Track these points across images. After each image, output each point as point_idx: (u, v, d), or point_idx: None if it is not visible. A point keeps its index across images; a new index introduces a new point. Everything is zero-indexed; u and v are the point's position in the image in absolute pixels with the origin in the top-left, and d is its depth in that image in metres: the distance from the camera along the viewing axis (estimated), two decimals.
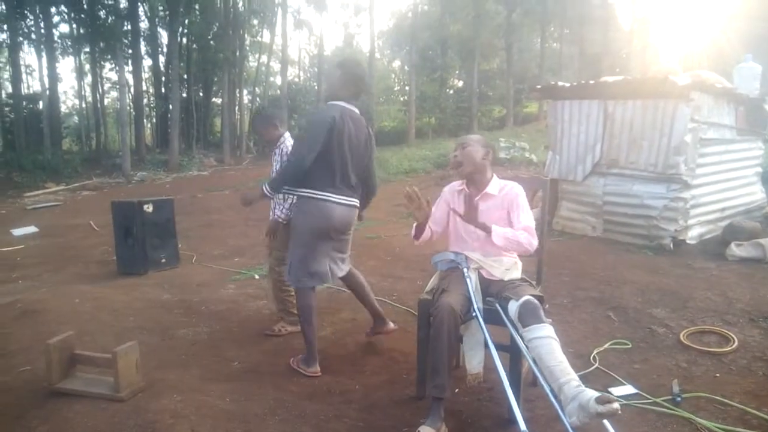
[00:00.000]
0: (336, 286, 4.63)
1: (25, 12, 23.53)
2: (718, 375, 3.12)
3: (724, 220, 6.54)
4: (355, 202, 3.34)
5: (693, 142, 5.98)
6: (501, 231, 2.74)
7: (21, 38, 24.21)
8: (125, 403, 2.63)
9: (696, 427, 2.55)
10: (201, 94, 31.25)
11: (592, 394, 2.09)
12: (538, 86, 7.92)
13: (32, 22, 24.24)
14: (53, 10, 24.20)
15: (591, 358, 3.35)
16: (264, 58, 32.48)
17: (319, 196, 3.16)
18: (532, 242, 2.75)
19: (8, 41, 23.64)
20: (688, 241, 6.20)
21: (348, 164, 3.21)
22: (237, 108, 29.31)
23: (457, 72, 35.12)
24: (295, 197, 3.29)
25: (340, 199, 3.20)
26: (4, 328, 3.90)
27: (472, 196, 2.86)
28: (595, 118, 6.68)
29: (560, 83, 7.22)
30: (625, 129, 6.40)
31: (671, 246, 6.06)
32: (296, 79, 35.15)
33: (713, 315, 4.02)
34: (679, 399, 2.79)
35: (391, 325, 3.72)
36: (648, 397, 2.84)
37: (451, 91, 33.56)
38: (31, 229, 10.45)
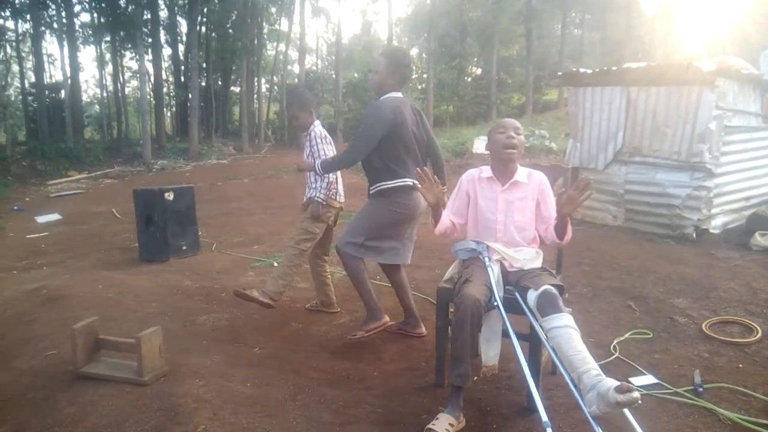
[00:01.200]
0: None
1: (48, 1, 23.80)
2: (740, 366, 3.08)
3: (748, 209, 6.43)
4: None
5: (717, 129, 5.87)
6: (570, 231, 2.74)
7: (43, 28, 24.54)
8: (149, 387, 2.68)
9: (718, 417, 2.53)
10: (220, 82, 31.42)
11: (611, 383, 2.08)
12: (559, 73, 7.83)
13: (54, 12, 24.54)
14: None
15: (611, 347, 3.33)
16: (282, 47, 32.53)
17: (404, 184, 3.33)
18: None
19: (31, 31, 23.97)
20: (711, 231, 6.11)
21: (417, 154, 3.42)
22: (255, 96, 29.45)
23: (475, 59, 34.82)
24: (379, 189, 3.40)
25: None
26: (30, 314, 3.99)
27: (500, 185, 2.83)
28: (617, 106, 6.58)
29: (582, 70, 7.12)
30: (648, 116, 6.30)
31: (694, 235, 5.97)
32: (314, 68, 35.12)
33: (736, 305, 3.97)
34: (700, 389, 2.76)
35: (423, 329, 3.68)
36: (669, 387, 2.82)
37: (470, 79, 33.30)
38: (55, 216, 10.64)
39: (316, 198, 3.87)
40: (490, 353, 2.59)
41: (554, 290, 2.46)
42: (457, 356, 2.47)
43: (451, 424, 2.37)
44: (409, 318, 3.70)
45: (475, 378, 2.91)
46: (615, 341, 3.42)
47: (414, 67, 40.52)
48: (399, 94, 3.42)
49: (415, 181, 3.15)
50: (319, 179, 3.85)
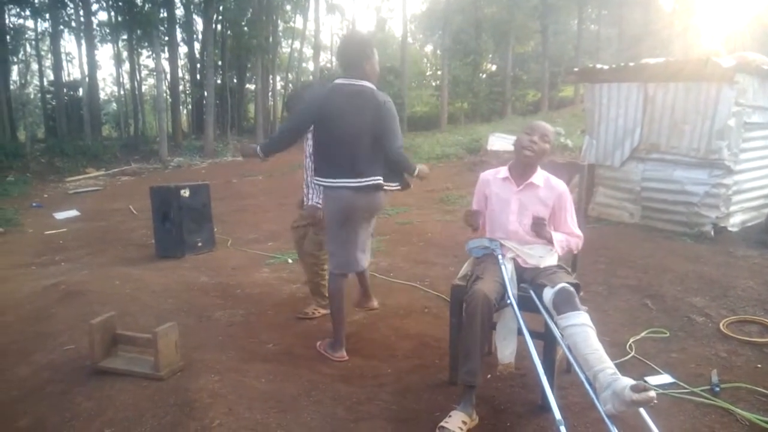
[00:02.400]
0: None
1: (66, 1, 24.10)
2: (759, 366, 3.04)
3: (767, 207, 6.33)
4: (371, 181, 3.13)
5: (737, 126, 5.77)
6: (561, 238, 2.78)
7: (62, 26, 24.85)
8: (165, 382, 2.71)
9: (735, 418, 2.50)
10: (235, 80, 31.58)
11: (627, 382, 2.06)
12: (575, 69, 7.76)
13: (72, 11, 24.84)
14: None
15: (627, 346, 3.30)
16: (297, 44, 32.62)
17: (334, 184, 3.11)
18: (580, 245, 2.87)
19: (50, 30, 24.30)
20: (729, 229, 6.03)
21: (349, 143, 3.06)
22: (270, 94, 29.57)
23: (490, 55, 34.61)
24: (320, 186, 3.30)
25: (349, 182, 3.09)
26: (48, 309, 4.06)
27: (515, 186, 2.80)
28: (634, 102, 6.51)
29: (598, 66, 7.05)
30: (666, 113, 6.21)
31: (712, 233, 5.89)
32: (328, 65, 35.13)
33: (755, 304, 3.91)
34: (717, 389, 2.73)
35: (375, 303, 3.96)
36: (686, 386, 2.79)
37: (485, 75, 33.07)
38: (73, 212, 10.79)
39: (317, 203, 3.82)
40: (505, 351, 2.58)
41: (571, 288, 2.45)
42: (467, 354, 2.47)
43: (464, 422, 2.37)
44: (364, 293, 3.88)
45: (489, 376, 2.91)
46: (631, 340, 3.39)
47: (429, 64, 40.48)
48: (345, 80, 3.11)
49: (345, 181, 3.07)
50: (315, 186, 3.80)
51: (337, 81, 3.15)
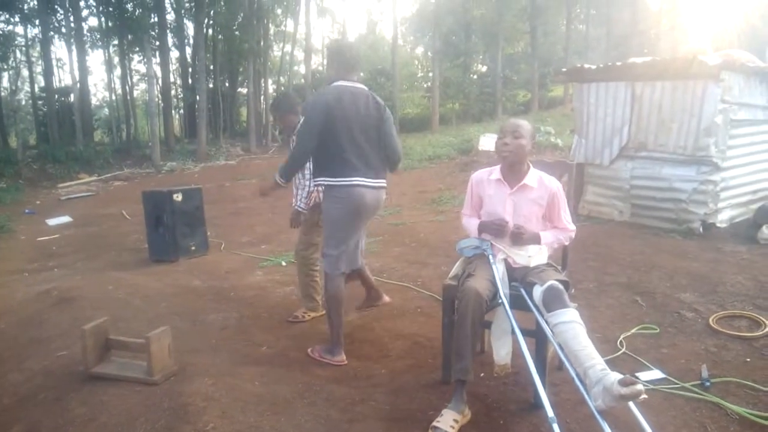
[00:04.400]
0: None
1: (56, 6, 23.98)
2: (748, 360, 3.08)
3: (755, 203, 6.39)
4: (382, 183, 3.28)
5: (724, 123, 5.84)
6: (549, 239, 2.81)
7: (52, 32, 24.66)
8: (158, 387, 2.71)
9: (726, 412, 2.53)
10: (227, 84, 31.52)
11: (615, 376, 2.09)
12: (564, 69, 7.81)
13: (62, 17, 24.70)
14: (82, 3, 24.59)
15: (618, 343, 3.34)
16: (288, 47, 32.58)
17: (347, 182, 3.11)
18: (572, 236, 2.90)
19: (40, 36, 24.14)
20: (718, 225, 6.09)
21: (361, 143, 3.14)
22: (262, 97, 29.49)
23: (480, 57, 34.71)
24: (323, 186, 3.25)
25: (365, 181, 3.15)
26: (41, 315, 4.05)
27: (509, 187, 2.81)
28: (622, 101, 6.56)
29: (586, 65, 7.10)
30: (654, 111, 6.28)
31: (701, 230, 5.95)
32: (320, 68, 35.14)
33: (744, 299, 3.96)
34: (708, 384, 2.77)
35: (386, 297, 3.86)
36: (676, 382, 2.82)
37: (475, 77, 33.17)
38: (66, 218, 10.74)
39: (297, 207, 3.92)
40: (501, 352, 2.60)
41: (560, 285, 2.46)
42: (458, 351, 2.49)
43: (455, 420, 2.39)
44: (371, 291, 3.78)
45: (482, 374, 2.93)
46: (622, 336, 3.42)
47: (420, 66, 40.58)
48: (346, 82, 3.17)
49: (362, 180, 3.11)
50: (303, 189, 3.88)
51: (340, 83, 3.17)
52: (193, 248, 6.35)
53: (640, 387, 2.03)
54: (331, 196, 3.18)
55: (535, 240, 2.77)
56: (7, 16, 24.03)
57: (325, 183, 3.17)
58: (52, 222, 10.46)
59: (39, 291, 4.81)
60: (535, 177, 2.81)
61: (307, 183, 3.84)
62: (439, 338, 2.97)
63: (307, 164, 3.65)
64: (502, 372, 2.62)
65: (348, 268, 3.33)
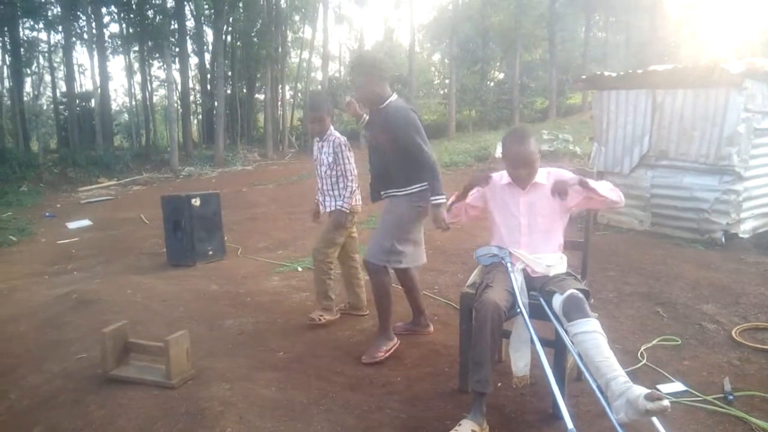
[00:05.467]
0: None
1: (78, 13, 24.42)
2: None
3: None
4: None
5: (746, 132, 5.75)
6: (609, 188, 2.67)
7: (74, 38, 25.14)
8: (176, 391, 2.73)
9: (750, 427, 2.48)
10: (245, 90, 31.75)
11: (640, 390, 2.05)
12: (583, 76, 7.75)
13: (84, 23, 25.15)
14: (104, 10, 24.98)
15: (639, 354, 3.29)
16: (305, 54, 32.73)
17: (425, 187, 3.34)
18: (622, 197, 2.72)
19: (62, 42, 24.60)
20: (740, 235, 5.98)
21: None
22: (279, 103, 29.67)
23: (498, 64, 34.61)
24: (409, 192, 3.36)
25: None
26: (61, 318, 4.09)
27: (521, 189, 2.79)
28: (642, 109, 6.50)
29: (606, 73, 7.05)
30: (675, 119, 6.20)
31: (723, 240, 5.86)
32: (337, 74, 35.30)
33: (767, 311, 3.88)
34: (731, 397, 2.71)
35: (431, 327, 3.83)
36: (698, 394, 2.77)
37: (492, 84, 33.06)
38: (85, 222, 10.89)
39: (342, 207, 3.92)
40: (519, 364, 2.56)
41: (580, 294, 2.43)
42: (477, 361, 2.46)
43: (474, 431, 2.36)
44: (419, 318, 3.79)
45: (499, 384, 2.90)
46: (642, 348, 3.37)
47: (437, 73, 40.60)
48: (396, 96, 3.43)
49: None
50: (346, 189, 3.93)
51: (398, 98, 3.41)
52: (210, 253, 6.39)
53: (666, 402, 1.99)
54: (413, 200, 3.36)
55: (582, 182, 2.60)
56: (32, 22, 24.48)
57: (420, 189, 3.34)
58: (72, 225, 10.61)
59: (59, 294, 4.87)
60: (543, 174, 2.79)
61: (351, 184, 3.93)
62: (456, 346, 2.95)
63: (349, 166, 3.91)
64: (521, 383, 2.58)
65: (420, 262, 3.59)
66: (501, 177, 2.90)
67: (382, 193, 3.49)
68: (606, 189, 2.66)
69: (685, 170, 6.18)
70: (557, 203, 2.73)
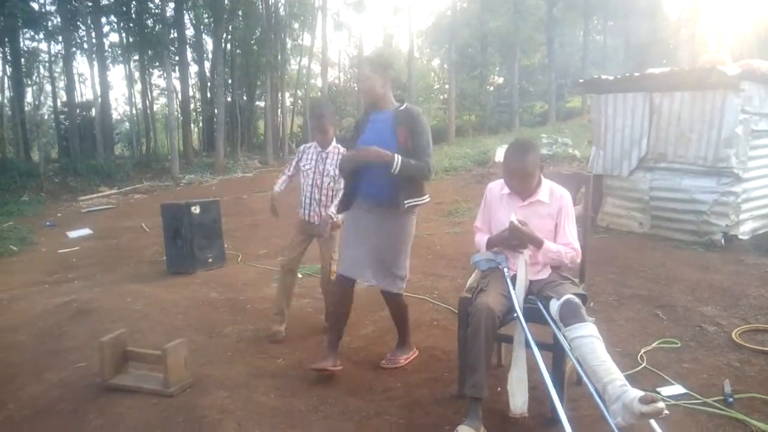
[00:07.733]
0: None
1: (78, 23, 24.54)
2: None
3: None
4: None
5: (744, 133, 5.76)
6: (553, 248, 2.65)
7: (74, 48, 25.24)
8: (174, 399, 2.73)
9: (750, 429, 2.47)
10: (245, 97, 31.85)
11: (636, 393, 2.05)
12: (581, 80, 7.78)
13: (84, 33, 25.25)
14: (104, 20, 25.11)
15: (638, 357, 3.28)
16: (305, 61, 32.82)
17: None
18: (576, 261, 2.74)
19: (63, 52, 24.70)
20: (740, 237, 5.98)
21: None
22: (279, 111, 29.75)
23: (497, 68, 34.72)
24: (415, 204, 3.22)
25: None
26: (60, 327, 4.10)
27: (520, 200, 2.75)
28: (640, 112, 6.50)
29: (604, 76, 7.07)
30: (673, 122, 6.21)
31: (722, 242, 5.85)
32: (336, 81, 35.40)
33: (767, 313, 3.87)
34: (731, 400, 2.70)
35: (403, 361, 3.41)
36: (698, 397, 2.76)
37: (492, 88, 33.20)
38: (86, 231, 10.88)
39: (330, 212, 3.91)
40: (518, 401, 2.51)
41: (577, 299, 2.43)
42: (471, 367, 2.45)
43: None
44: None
45: (498, 389, 2.89)
46: (642, 351, 3.36)
47: (436, 78, 40.68)
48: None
49: None
50: (336, 197, 3.89)
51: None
52: (210, 260, 6.39)
53: (661, 405, 1.99)
54: (413, 214, 3.31)
55: (536, 242, 2.62)
56: (32, 33, 24.62)
57: (425, 201, 3.27)
58: (73, 234, 10.61)
59: (58, 303, 4.87)
60: (546, 191, 2.75)
61: (341, 189, 3.78)
62: (456, 351, 2.95)
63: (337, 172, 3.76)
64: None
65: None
66: (502, 186, 2.86)
67: (405, 202, 3.15)
68: (560, 252, 2.66)
69: (684, 172, 6.18)
70: (552, 224, 2.73)
